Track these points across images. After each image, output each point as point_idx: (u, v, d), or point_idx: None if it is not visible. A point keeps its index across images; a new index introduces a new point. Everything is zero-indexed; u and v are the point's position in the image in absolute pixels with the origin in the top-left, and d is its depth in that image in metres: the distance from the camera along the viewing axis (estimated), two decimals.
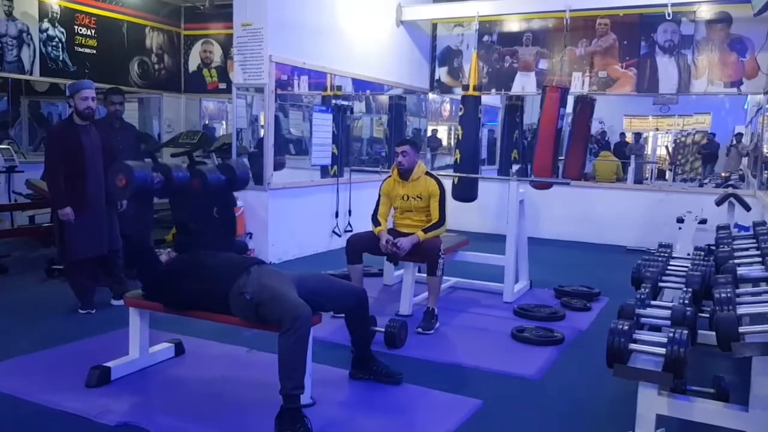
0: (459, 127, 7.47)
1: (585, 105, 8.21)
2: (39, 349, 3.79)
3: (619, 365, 2.46)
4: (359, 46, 7.74)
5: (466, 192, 7.31)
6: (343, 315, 3.43)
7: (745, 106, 12.56)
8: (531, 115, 10.54)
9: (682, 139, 14.28)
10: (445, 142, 13.22)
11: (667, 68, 8.00)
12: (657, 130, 16.61)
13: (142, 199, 3.28)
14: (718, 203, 6.35)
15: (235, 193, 6.11)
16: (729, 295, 2.62)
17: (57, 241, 4.67)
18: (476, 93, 7.41)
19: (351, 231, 7.05)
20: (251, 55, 6.35)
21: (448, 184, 6.81)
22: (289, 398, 2.71)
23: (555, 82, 8.20)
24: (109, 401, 3.07)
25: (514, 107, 9.31)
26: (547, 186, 7.16)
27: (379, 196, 4.81)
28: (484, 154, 10.80)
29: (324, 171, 7.43)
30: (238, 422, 2.91)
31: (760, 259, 3.29)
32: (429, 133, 12.02)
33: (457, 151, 7.43)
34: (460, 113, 7.49)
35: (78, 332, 4.13)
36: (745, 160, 11.26)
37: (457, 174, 7.28)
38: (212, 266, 3.18)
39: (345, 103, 7.66)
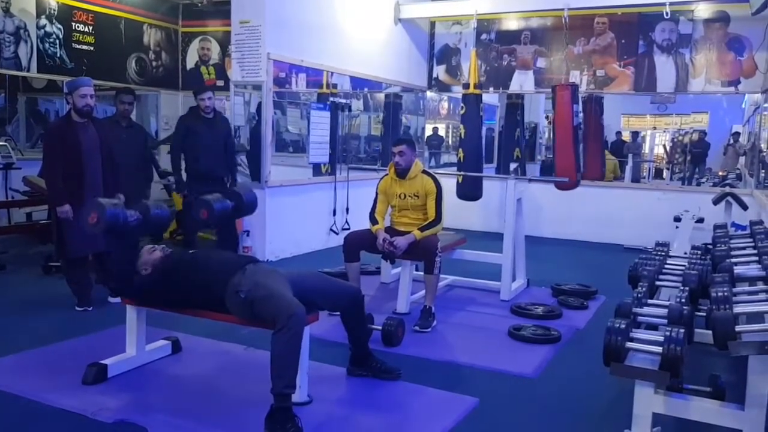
0: (461, 126, 7.45)
1: (594, 104, 8.21)
2: (36, 346, 3.78)
3: (616, 364, 2.46)
4: (357, 44, 7.73)
5: (470, 191, 7.28)
6: (338, 313, 3.43)
7: (743, 105, 12.58)
8: (528, 114, 10.54)
9: (680, 138, 14.30)
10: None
11: (665, 67, 8.01)
12: (654, 129, 16.63)
13: (122, 236, 3.34)
14: (716, 202, 6.37)
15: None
16: (726, 293, 2.63)
17: (54, 238, 4.66)
18: (477, 91, 7.40)
19: (348, 229, 7.05)
20: (249, 53, 6.34)
21: (451, 184, 6.85)
22: (281, 397, 2.70)
23: (554, 80, 8.21)
24: (105, 399, 3.07)
25: (515, 105, 9.31)
26: (572, 186, 6.99)
27: (377, 194, 4.81)
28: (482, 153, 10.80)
29: (316, 169, 7.41)
30: (235, 420, 2.91)
31: (756, 258, 3.30)
32: (430, 131, 12.03)
33: (461, 149, 7.42)
34: (462, 112, 7.48)
35: (75, 329, 4.13)
36: (742, 159, 11.28)
37: (460, 173, 7.27)
38: (208, 264, 3.18)
39: (343, 100, 7.65)
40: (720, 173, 11.81)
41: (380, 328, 3.95)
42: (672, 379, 2.46)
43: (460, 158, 7.42)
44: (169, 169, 7.78)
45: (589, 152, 8.13)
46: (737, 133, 12.74)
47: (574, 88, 7.10)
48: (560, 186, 6.92)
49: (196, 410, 3.00)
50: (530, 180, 6.63)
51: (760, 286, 2.87)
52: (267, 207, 6.41)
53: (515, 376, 3.58)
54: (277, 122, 7.23)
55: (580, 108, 7.43)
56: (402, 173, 4.65)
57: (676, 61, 7.95)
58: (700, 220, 6.26)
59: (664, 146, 15.68)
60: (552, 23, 8.54)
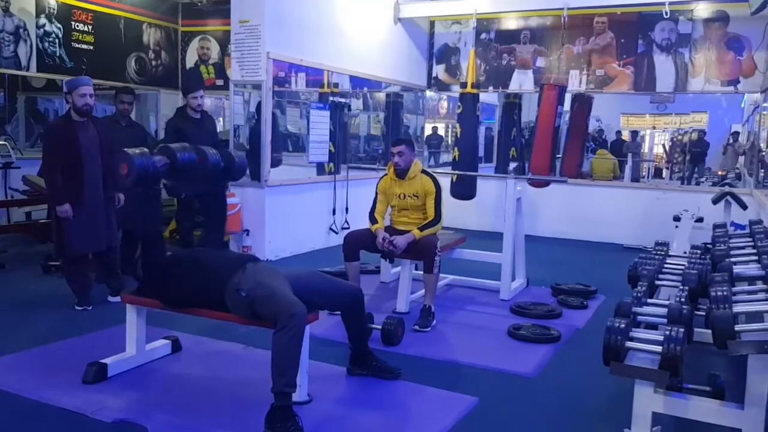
0: (457, 125, 7.47)
1: (582, 103, 8.25)
2: (36, 345, 3.79)
3: (616, 363, 2.46)
4: (357, 43, 7.73)
5: (464, 190, 7.31)
6: (338, 313, 3.43)
7: (742, 105, 12.58)
8: (528, 113, 10.54)
9: (679, 137, 14.30)
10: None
11: (664, 66, 8.01)
12: (654, 128, 16.63)
13: (150, 184, 3.38)
14: (715, 202, 6.38)
15: (233, 190, 6.17)
16: (725, 293, 2.63)
17: (54, 237, 4.66)
18: (474, 90, 7.41)
19: (348, 228, 7.05)
20: (249, 52, 6.34)
21: (446, 182, 6.87)
22: (281, 396, 2.71)
23: (552, 80, 8.22)
24: (105, 398, 3.07)
25: (512, 105, 9.33)
26: (544, 184, 7.16)
27: (376, 194, 4.81)
28: (481, 152, 10.82)
29: (320, 168, 7.43)
30: (235, 419, 2.91)
31: (756, 258, 3.30)
32: (429, 131, 12.04)
33: (456, 148, 7.44)
34: (459, 111, 7.50)
35: (75, 329, 4.13)
36: (741, 159, 11.29)
37: (455, 172, 7.29)
38: (208, 263, 3.18)
39: (342, 100, 7.65)
40: (719, 173, 11.80)
41: (380, 327, 3.95)
42: (671, 379, 2.46)
43: (455, 157, 7.45)
44: None
45: (568, 150, 8.18)
46: (736, 133, 12.74)
47: (561, 89, 7.14)
48: (535, 183, 7.01)
49: (196, 409, 3.00)
50: (530, 179, 6.65)
51: (760, 285, 2.88)
52: (267, 206, 6.41)
53: (515, 376, 3.58)
54: (277, 121, 7.22)
55: (564, 109, 7.51)
56: (401, 173, 4.65)
57: (675, 60, 7.95)
58: (700, 220, 6.27)
59: (664, 146, 15.68)
60: (551, 23, 8.54)
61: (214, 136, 5.91)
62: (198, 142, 5.59)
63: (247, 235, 6.43)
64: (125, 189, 4.45)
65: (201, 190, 5.18)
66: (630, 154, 12.62)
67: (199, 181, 3.79)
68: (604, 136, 14.81)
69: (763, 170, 7.65)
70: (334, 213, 7.43)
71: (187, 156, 3.50)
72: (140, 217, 5.06)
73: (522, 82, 8.82)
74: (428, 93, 9.85)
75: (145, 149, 3.47)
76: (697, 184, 11.49)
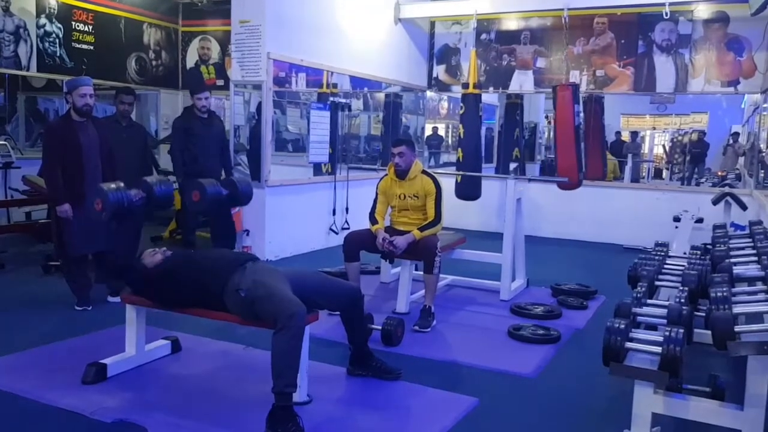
0: (460, 126, 7.46)
1: (595, 104, 8.24)
2: (35, 345, 3.78)
3: (616, 364, 2.46)
4: (357, 44, 7.73)
5: (469, 190, 7.30)
6: (338, 313, 3.43)
7: (742, 106, 12.58)
8: (528, 114, 10.53)
9: (679, 138, 14.30)
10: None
11: (664, 67, 8.02)
12: (654, 129, 16.64)
13: (127, 217, 3.41)
14: (715, 202, 6.38)
15: None
16: (725, 294, 2.63)
17: (54, 237, 4.66)
18: (476, 91, 7.41)
19: (348, 229, 7.05)
20: (249, 52, 6.34)
21: (450, 183, 6.87)
22: (281, 396, 2.71)
23: (554, 81, 8.22)
24: (105, 398, 3.07)
25: (514, 105, 9.33)
26: (573, 186, 7.04)
27: (376, 194, 4.81)
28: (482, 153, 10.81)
29: (317, 169, 7.42)
30: (235, 419, 2.91)
31: (756, 258, 3.30)
32: (429, 131, 12.04)
33: (459, 149, 7.43)
34: (461, 111, 7.49)
35: (74, 329, 4.13)
36: (741, 160, 11.29)
37: (459, 173, 7.28)
38: (207, 263, 3.18)
39: (342, 100, 7.66)
40: (719, 173, 11.80)
41: (380, 327, 3.95)
42: (671, 379, 2.46)
43: (458, 158, 7.44)
44: (168, 169, 7.81)
45: (590, 152, 8.17)
46: (736, 134, 12.74)
47: (575, 88, 7.11)
48: (562, 186, 6.94)
49: (196, 410, 3.00)
50: (530, 180, 6.63)
51: (759, 286, 2.87)
52: (267, 206, 6.41)
53: (515, 376, 3.58)
54: (277, 122, 7.24)
55: (581, 108, 7.46)
56: (401, 174, 4.65)
57: (675, 61, 7.95)
58: (700, 221, 6.27)
59: (664, 146, 15.68)
60: (552, 23, 8.54)
61: (223, 135, 5.92)
62: (206, 141, 5.64)
63: (247, 235, 6.43)
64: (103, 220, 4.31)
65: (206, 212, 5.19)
66: (630, 155, 12.63)
67: (202, 207, 3.85)
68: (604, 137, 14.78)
69: (763, 171, 7.65)
70: (334, 213, 7.43)
71: (164, 189, 3.55)
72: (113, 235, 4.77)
73: (522, 82, 8.83)
74: (428, 93, 9.85)
75: (121, 183, 3.49)
76: (697, 184, 11.49)
